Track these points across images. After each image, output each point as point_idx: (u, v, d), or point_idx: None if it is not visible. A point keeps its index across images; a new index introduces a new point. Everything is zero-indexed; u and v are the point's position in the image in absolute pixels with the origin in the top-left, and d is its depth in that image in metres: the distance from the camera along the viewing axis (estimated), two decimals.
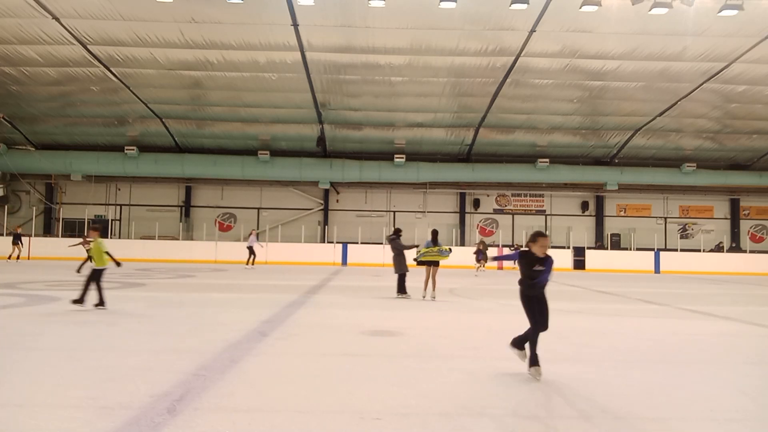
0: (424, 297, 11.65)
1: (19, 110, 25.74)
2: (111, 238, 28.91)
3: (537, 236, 5.20)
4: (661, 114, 25.34)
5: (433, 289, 11.53)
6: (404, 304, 10.71)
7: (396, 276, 12.04)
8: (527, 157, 29.11)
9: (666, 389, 4.85)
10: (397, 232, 12.71)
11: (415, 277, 12.81)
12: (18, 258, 23.12)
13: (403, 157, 28.11)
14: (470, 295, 13.47)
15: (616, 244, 30.39)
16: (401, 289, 11.88)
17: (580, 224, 30.90)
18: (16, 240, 23.16)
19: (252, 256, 22.25)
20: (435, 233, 11.97)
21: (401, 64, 21.36)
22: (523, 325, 5.26)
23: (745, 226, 31.82)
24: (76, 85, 23.35)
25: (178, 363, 5.26)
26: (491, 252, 26.63)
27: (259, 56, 20.90)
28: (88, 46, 20.27)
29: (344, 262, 26.96)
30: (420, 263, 11.71)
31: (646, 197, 31.48)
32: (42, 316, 8.11)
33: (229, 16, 18.30)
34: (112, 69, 21.91)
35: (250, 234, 23.47)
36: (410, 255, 12.59)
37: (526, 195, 31.43)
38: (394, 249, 12.19)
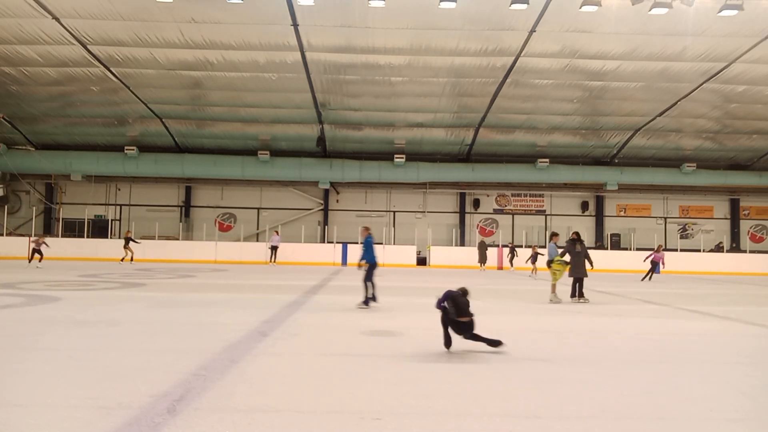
0: (551, 300, 11.62)
1: (19, 110, 25.74)
2: (111, 238, 28.95)
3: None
4: (661, 114, 25.34)
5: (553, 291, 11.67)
6: (404, 304, 10.70)
7: (571, 279, 12.16)
8: (527, 157, 29.11)
9: (666, 389, 4.85)
10: (578, 236, 12.60)
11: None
12: (131, 260, 23.60)
13: (403, 157, 28.11)
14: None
15: (616, 244, 30.39)
16: (576, 292, 11.91)
17: (580, 224, 30.79)
18: (127, 243, 23.73)
19: (274, 255, 25.09)
20: (554, 235, 12.33)
21: (401, 64, 21.35)
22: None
23: (745, 226, 31.83)
24: (76, 85, 23.35)
25: (178, 363, 5.25)
26: (491, 252, 26.78)
27: (259, 56, 20.90)
28: (88, 46, 20.26)
29: (344, 262, 26.94)
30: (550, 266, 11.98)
31: (646, 197, 31.48)
32: (42, 316, 8.11)
33: (229, 16, 18.29)
34: (112, 69, 21.90)
35: (275, 233, 25.85)
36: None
37: (526, 195, 31.43)
38: (581, 249, 12.24)
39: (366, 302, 9.73)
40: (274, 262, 25.25)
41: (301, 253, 27.12)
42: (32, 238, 21.10)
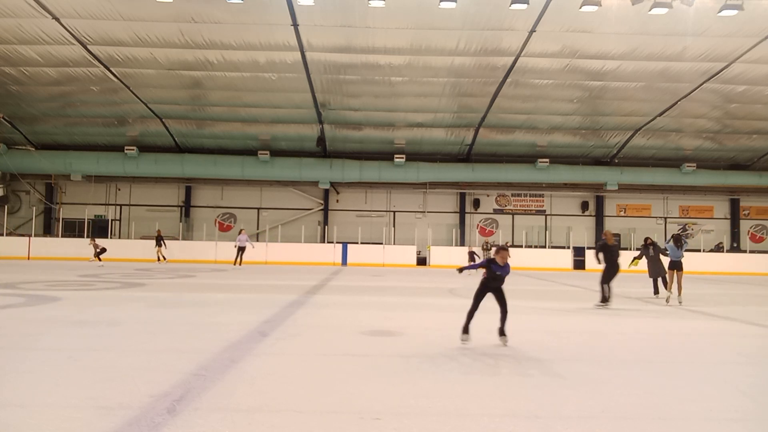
0: (668, 301, 11.81)
1: (19, 110, 25.73)
2: (111, 238, 28.96)
3: (500, 250, 6.59)
4: (661, 114, 25.34)
5: (679, 294, 11.72)
6: (404, 304, 10.70)
7: (651, 280, 13.13)
8: (527, 157, 29.12)
9: (666, 389, 4.85)
10: (652, 241, 13.53)
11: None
12: (164, 258, 24.72)
13: (403, 157, 28.12)
14: (469, 295, 13.42)
15: (617, 244, 30.37)
16: (657, 290, 12.85)
17: (580, 224, 30.90)
18: (159, 242, 24.56)
19: (240, 256, 23.28)
20: (676, 238, 12.11)
21: (401, 64, 21.35)
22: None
23: (745, 226, 31.83)
24: (76, 85, 23.34)
25: (178, 363, 5.25)
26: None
27: (259, 56, 20.90)
28: (88, 46, 20.26)
29: (344, 262, 26.96)
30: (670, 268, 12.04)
31: (646, 197, 31.48)
32: (42, 316, 8.11)
33: (229, 16, 18.29)
34: (112, 69, 21.90)
35: (240, 233, 24.22)
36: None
37: (526, 195, 31.44)
38: (653, 253, 12.97)
39: None
40: (240, 263, 23.13)
41: (301, 253, 27.13)
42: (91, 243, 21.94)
